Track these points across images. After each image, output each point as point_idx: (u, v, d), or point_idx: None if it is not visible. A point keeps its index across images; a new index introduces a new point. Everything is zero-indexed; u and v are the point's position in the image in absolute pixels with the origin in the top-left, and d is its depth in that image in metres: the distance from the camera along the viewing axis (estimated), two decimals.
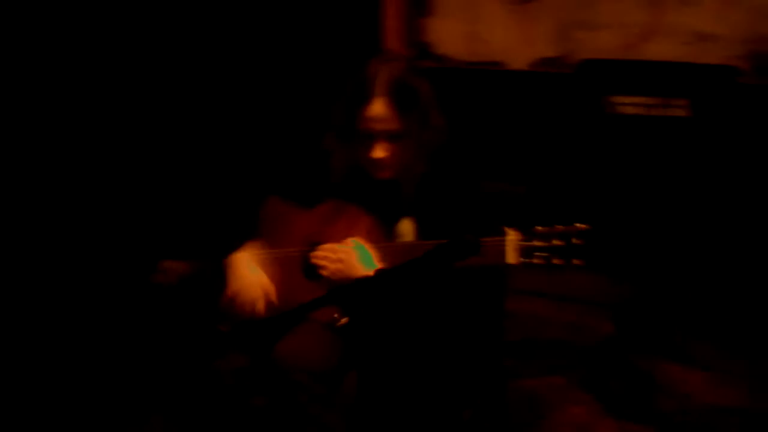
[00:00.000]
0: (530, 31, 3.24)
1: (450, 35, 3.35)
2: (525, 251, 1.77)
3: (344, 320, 1.93)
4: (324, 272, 1.94)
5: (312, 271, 1.97)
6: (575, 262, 1.75)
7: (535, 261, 1.76)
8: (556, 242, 1.76)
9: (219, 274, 2.06)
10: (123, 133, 3.18)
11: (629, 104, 2.98)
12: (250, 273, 2.03)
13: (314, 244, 1.99)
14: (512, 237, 1.78)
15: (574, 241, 1.75)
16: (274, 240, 2.08)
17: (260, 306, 2.01)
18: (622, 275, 3.08)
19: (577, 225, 1.76)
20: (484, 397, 2.22)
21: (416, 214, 2.01)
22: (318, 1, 3.37)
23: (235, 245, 2.07)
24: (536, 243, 1.77)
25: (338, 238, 1.96)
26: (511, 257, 1.78)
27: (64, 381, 2.73)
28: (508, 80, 3.30)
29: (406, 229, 2.02)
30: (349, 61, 2.53)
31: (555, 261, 1.76)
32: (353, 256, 1.90)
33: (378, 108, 1.90)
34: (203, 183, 2.94)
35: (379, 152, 1.92)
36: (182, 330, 2.16)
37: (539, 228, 1.78)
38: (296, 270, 2.03)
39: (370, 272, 1.86)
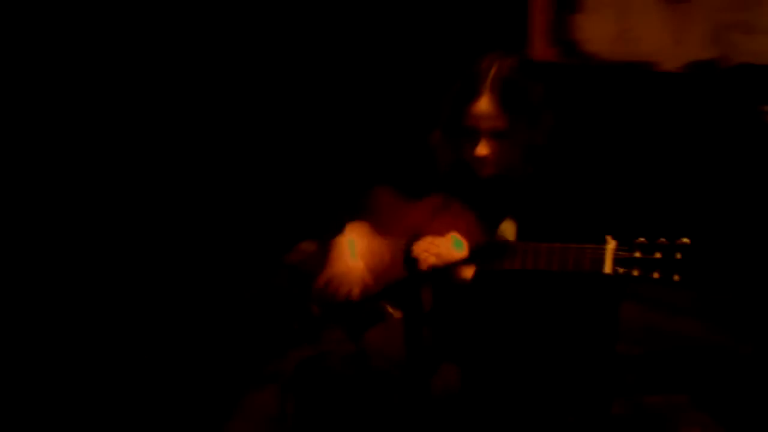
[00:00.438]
0: (684, 32, 3.08)
1: (599, 33, 3.24)
2: (623, 262, 1.74)
3: (395, 312, 1.98)
4: (421, 265, 1.98)
5: (411, 262, 2.02)
6: (675, 278, 1.70)
7: (634, 273, 1.73)
8: (656, 255, 1.72)
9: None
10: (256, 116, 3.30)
11: None
12: (350, 258, 2.10)
13: (417, 236, 2.04)
14: (612, 246, 1.76)
15: (676, 256, 1.70)
16: (380, 228, 2.14)
17: (355, 292, 2.08)
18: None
19: (681, 239, 1.72)
20: (589, 404, 2.20)
21: (518, 216, 2.01)
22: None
23: (340, 229, 2.14)
24: (636, 254, 1.73)
25: (440, 232, 2.00)
26: (608, 267, 1.75)
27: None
28: (655, 82, 3.16)
29: (508, 229, 2.02)
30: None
31: (654, 275, 1.72)
32: (451, 251, 1.93)
33: (484, 105, 1.93)
34: (319, 170, 2.99)
35: (483, 150, 1.95)
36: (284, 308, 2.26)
37: (641, 239, 1.74)
38: (398, 260, 2.08)
39: (468, 270, 1.90)
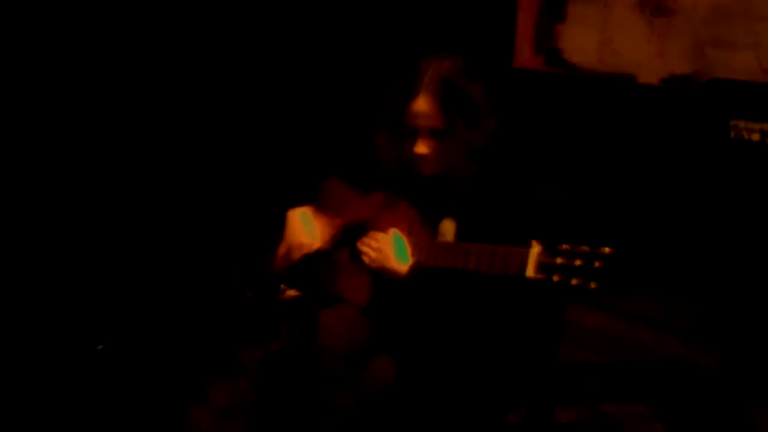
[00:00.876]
0: (664, 46, 3.10)
1: (582, 43, 3.28)
2: (545, 267, 1.73)
3: (291, 292, 2.04)
4: (365, 258, 2.04)
5: (355, 255, 2.07)
6: (592, 285, 1.68)
7: (554, 278, 1.72)
8: (577, 262, 1.70)
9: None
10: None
11: (756, 130, 2.79)
12: (304, 224, 2.16)
13: (362, 230, 2.09)
14: (536, 250, 1.75)
15: (596, 264, 1.68)
16: (328, 217, 2.19)
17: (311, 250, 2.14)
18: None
19: (602, 248, 1.70)
20: (531, 403, 2.24)
21: (459, 215, 2.04)
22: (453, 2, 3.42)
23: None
24: (558, 260, 1.72)
25: (384, 228, 2.04)
26: (531, 270, 1.74)
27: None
28: (633, 93, 3.19)
29: (448, 228, 2.05)
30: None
31: (573, 281, 1.70)
32: (390, 248, 1.98)
33: (422, 104, 1.95)
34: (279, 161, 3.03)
35: (422, 148, 1.97)
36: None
37: (564, 246, 1.72)
38: (344, 251, 2.14)
39: (404, 267, 1.94)
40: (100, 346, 2.61)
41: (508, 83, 3.44)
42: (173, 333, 3.04)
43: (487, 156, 2.04)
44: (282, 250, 2.18)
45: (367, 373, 2.01)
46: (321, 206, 2.20)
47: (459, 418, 2.04)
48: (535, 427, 2.26)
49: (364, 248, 2.04)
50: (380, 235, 2.03)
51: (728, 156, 2.78)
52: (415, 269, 1.95)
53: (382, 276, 2.00)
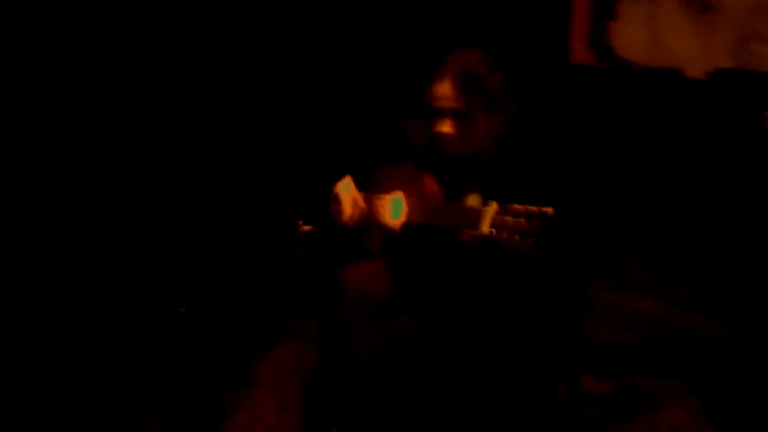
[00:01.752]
0: (709, 41, 3.24)
1: (632, 40, 3.45)
2: (497, 224, 1.90)
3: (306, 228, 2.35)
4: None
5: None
6: (529, 240, 1.83)
7: (503, 235, 1.87)
8: (522, 221, 1.85)
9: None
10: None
11: None
12: (344, 190, 2.47)
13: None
14: (492, 208, 1.92)
15: (533, 222, 1.84)
16: (368, 185, 2.50)
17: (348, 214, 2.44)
18: None
19: (544, 208, 1.84)
20: (553, 366, 2.45)
21: (483, 190, 2.26)
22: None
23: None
24: (507, 218, 1.88)
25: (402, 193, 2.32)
26: (485, 226, 1.92)
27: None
28: (680, 87, 3.35)
29: (473, 201, 2.28)
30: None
31: (515, 237, 1.85)
32: (387, 207, 2.27)
33: (443, 87, 2.20)
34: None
35: (444, 127, 2.22)
36: None
37: (515, 205, 1.88)
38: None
39: (396, 223, 2.21)
40: (182, 309, 2.98)
41: (564, 77, 3.65)
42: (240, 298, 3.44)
43: (510, 137, 2.27)
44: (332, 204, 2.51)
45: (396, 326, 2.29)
46: (363, 181, 2.50)
47: (473, 375, 2.29)
48: (554, 391, 2.50)
49: (374, 206, 2.34)
50: (384, 197, 2.31)
51: (763, 144, 2.92)
52: (405, 226, 2.22)
53: (387, 232, 2.28)
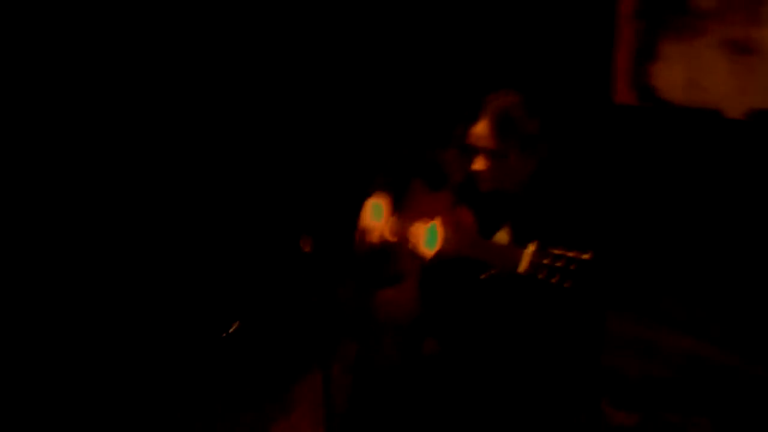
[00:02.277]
0: (747, 82, 3.29)
1: (672, 80, 3.52)
2: (534, 265, 2.03)
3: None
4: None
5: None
6: (565, 285, 1.96)
7: (539, 276, 2.01)
8: (559, 264, 1.98)
9: None
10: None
11: None
12: (376, 212, 2.63)
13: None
14: (530, 250, 2.04)
15: (571, 267, 1.96)
16: (405, 205, 2.65)
17: (379, 237, 2.62)
18: None
19: (582, 254, 1.96)
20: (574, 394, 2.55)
21: (513, 227, 2.39)
22: (557, 43, 3.78)
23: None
24: (545, 261, 2.00)
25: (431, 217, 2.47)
26: (523, 267, 2.04)
27: None
28: (719, 127, 3.40)
29: (502, 238, 2.41)
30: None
31: (552, 280, 1.98)
32: (422, 234, 2.42)
33: (480, 128, 2.35)
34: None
35: (478, 165, 2.37)
36: None
37: (556, 250, 2.00)
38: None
39: (429, 252, 2.35)
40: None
41: (607, 117, 3.75)
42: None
43: (543, 177, 2.39)
44: (357, 232, 2.67)
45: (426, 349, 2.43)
46: (399, 202, 2.66)
47: (494, 401, 2.41)
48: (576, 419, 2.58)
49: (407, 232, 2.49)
50: (419, 224, 2.46)
51: None
52: (438, 255, 2.36)
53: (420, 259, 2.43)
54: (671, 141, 3.57)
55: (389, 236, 2.60)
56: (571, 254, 1.99)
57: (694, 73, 3.45)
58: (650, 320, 3.62)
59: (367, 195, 2.69)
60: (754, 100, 3.29)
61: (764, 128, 3.28)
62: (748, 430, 2.97)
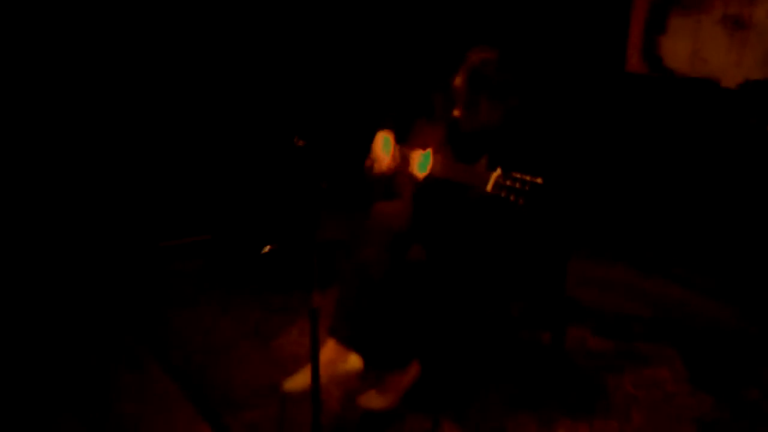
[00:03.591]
0: (742, 55, 3.62)
1: (678, 52, 3.87)
2: (498, 185, 2.45)
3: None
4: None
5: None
6: (520, 201, 2.38)
7: (502, 194, 2.43)
8: (517, 185, 2.40)
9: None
10: None
11: None
12: (385, 143, 3.06)
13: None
14: (497, 173, 2.46)
15: (526, 187, 2.38)
16: (408, 137, 3.12)
17: (386, 163, 3.05)
18: None
19: (536, 178, 2.37)
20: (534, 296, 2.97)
21: (491, 158, 2.82)
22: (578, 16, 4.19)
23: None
24: (507, 182, 2.43)
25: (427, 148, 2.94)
26: (489, 186, 2.47)
27: None
28: (716, 95, 3.74)
29: (482, 166, 2.82)
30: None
31: (511, 197, 2.41)
32: (417, 159, 2.89)
33: (457, 80, 2.80)
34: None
35: (456, 111, 2.82)
36: None
37: (515, 173, 2.42)
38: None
39: (421, 174, 2.82)
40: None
41: (621, 84, 4.14)
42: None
43: (515, 120, 2.81)
44: (368, 160, 3.15)
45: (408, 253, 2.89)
46: (404, 137, 3.13)
47: (469, 299, 2.86)
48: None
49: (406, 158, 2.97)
50: (416, 151, 2.93)
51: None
52: (428, 177, 2.83)
53: (413, 180, 2.90)
54: (672, 106, 3.93)
55: (394, 162, 3.07)
56: (527, 178, 2.42)
57: (698, 46, 3.79)
58: (641, 269, 4.03)
59: (378, 130, 3.16)
60: (747, 71, 3.62)
61: (755, 98, 3.60)
62: (710, 358, 3.32)
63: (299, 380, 2.69)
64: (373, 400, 2.83)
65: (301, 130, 2.58)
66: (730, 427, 2.87)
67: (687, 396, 3.04)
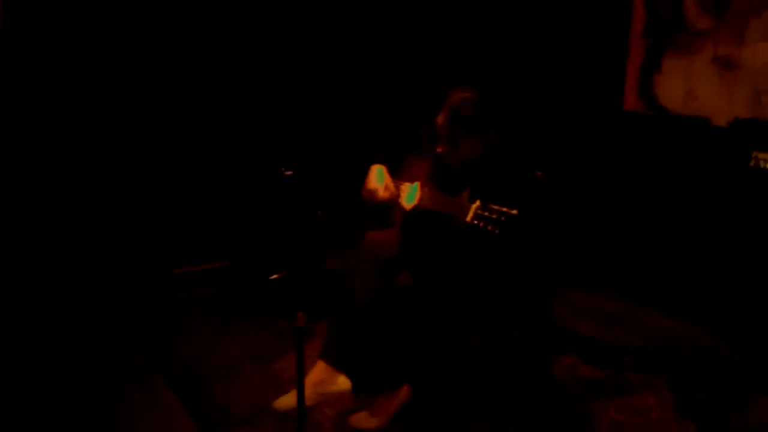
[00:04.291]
0: (731, 95, 3.76)
1: (672, 91, 4.02)
2: (477, 216, 2.64)
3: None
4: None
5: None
6: (496, 231, 2.56)
7: (480, 224, 2.62)
8: (494, 216, 2.58)
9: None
10: None
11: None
12: (376, 179, 3.22)
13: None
14: (476, 205, 2.65)
15: (501, 218, 2.56)
16: (399, 171, 3.29)
17: (380, 194, 3.20)
18: None
19: (511, 210, 2.56)
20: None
21: (472, 191, 2.99)
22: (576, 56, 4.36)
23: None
24: (485, 213, 2.62)
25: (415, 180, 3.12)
26: (469, 217, 2.66)
27: None
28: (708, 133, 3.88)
29: (464, 199, 2.99)
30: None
31: (488, 227, 2.59)
32: (406, 192, 3.07)
33: (440, 119, 2.99)
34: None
35: (438, 147, 3.01)
36: None
37: (492, 205, 2.61)
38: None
39: (408, 205, 3.00)
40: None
41: (619, 122, 4.30)
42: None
43: (496, 155, 2.98)
44: (363, 191, 3.32)
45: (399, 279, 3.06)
46: (396, 170, 3.31)
47: (455, 325, 3.01)
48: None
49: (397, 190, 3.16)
50: (405, 184, 3.12)
51: (749, 180, 3.43)
52: (415, 208, 3.00)
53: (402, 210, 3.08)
54: (667, 143, 4.08)
55: (387, 192, 3.25)
56: (503, 209, 2.61)
57: (690, 85, 3.94)
58: (635, 300, 4.15)
59: (371, 164, 3.35)
60: (736, 110, 3.75)
61: (743, 136, 3.73)
62: (697, 386, 3.42)
63: (288, 399, 2.86)
64: (364, 421, 2.99)
65: (287, 160, 2.78)
66: None
67: (671, 423, 3.14)
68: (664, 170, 4.07)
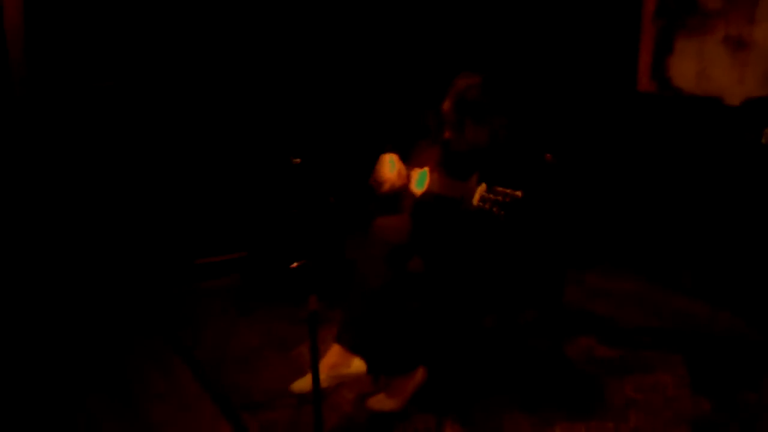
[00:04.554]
0: (744, 74, 3.75)
1: (684, 71, 4.02)
2: (483, 198, 2.68)
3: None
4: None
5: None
6: (501, 213, 2.60)
7: (486, 206, 2.66)
8: (499, 198, 2.62)
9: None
10: None
11: None
12: (388, 168, 3.24)
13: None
14: (482, 188, 2.69)
15: (507, 200, 2.60)
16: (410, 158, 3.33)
17: (384, 188, 3.23)
18: None
19: (516, 192, 2.59)
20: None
21: (480, 174, 3.03)
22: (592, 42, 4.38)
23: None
24: (490, 196, 2.65)
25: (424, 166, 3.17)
26: (475, 200, 2.70)
27: None
28: (721, 112, 3.88)
29: (472, 182, 3.05)
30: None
31: (494, 210, 2.64)
32: (415, 177, 3.12)
33: (445, 106, 3.03)
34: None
35: (444, 133, 3.05)
36: None
37: (498, 188, 2.65)
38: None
39: (419, 191, 3.05)
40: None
41: (633, 103, 4.31)
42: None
43: (503, 139, 3.01)
44: (372, 179, 3.37)
45: (411, 263, 3.10)
46: (405, 157, 3.36)
47: (467, 307, 3.06)
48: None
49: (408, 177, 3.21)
50: (414, 170, 3.16)
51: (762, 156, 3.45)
52: (425, 194, 3.05)
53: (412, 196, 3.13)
54: (681, 123, 4.08)
55: (399, 180, 3.30)
56: (507, 191, 2.64)
57: (702, 65, 3.94)
58: (660, 283, 4.19)
59: (382, 153, 3.40)
60: (749, 89, 3.75)
61: (756, 114, 3.73)
62: (713, 364, 3.44)
63: (305, 382, 2.93)
64: (381, 402, 3.05)
65: (295, 148, 2.83)
66: (725, 428, 2.99)
67: (686, 399, 3.17)
68: (678, 150, 4.08)
